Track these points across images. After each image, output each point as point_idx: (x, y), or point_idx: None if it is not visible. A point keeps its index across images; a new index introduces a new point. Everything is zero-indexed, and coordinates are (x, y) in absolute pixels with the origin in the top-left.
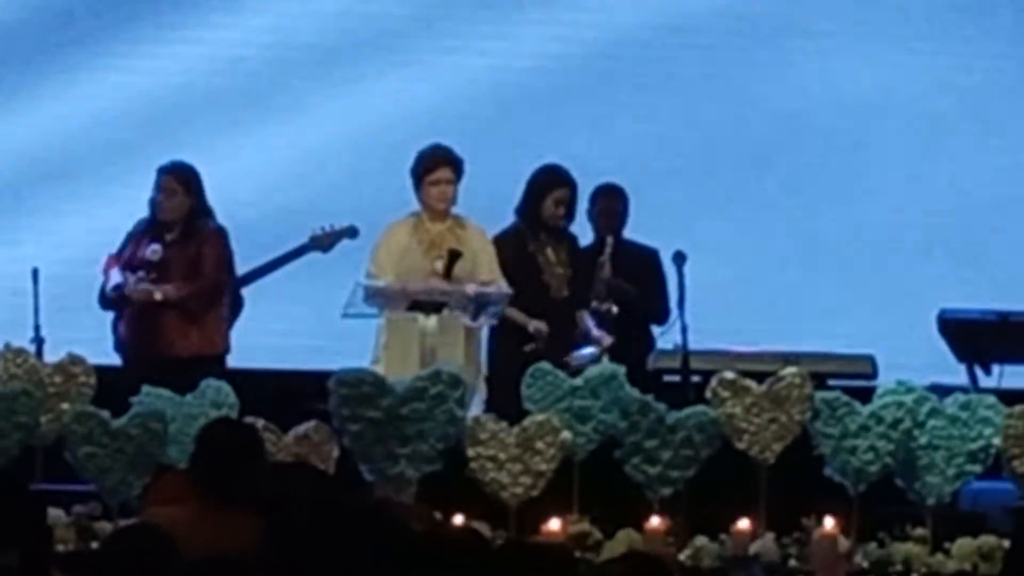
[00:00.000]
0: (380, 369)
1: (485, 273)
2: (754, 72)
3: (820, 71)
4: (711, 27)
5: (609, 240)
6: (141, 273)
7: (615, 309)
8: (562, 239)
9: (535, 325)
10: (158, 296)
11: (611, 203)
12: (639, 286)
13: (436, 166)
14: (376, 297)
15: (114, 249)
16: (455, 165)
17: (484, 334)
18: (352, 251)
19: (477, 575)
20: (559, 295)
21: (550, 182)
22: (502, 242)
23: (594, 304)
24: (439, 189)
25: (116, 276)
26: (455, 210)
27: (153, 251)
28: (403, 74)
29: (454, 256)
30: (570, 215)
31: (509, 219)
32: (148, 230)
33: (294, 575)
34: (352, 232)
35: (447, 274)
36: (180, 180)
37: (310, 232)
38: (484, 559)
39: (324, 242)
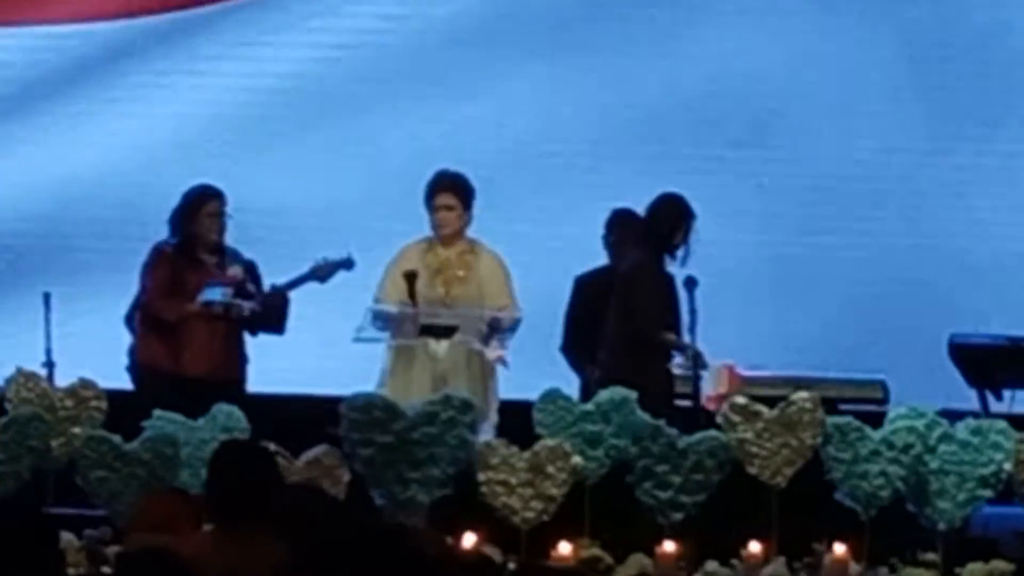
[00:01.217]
0: (384, 394)
1: (495, 299)
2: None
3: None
4: None
5: None
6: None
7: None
8: None
9: (693, 349)
10: (246, 313)
11: (626, 234)
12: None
13: (437, 192)
14: (380, 320)
15: None
16: (457, 191)
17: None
18: (362, 275)
19: None
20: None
21: (687, 212)
22: (646, 270)
23: (603, 355)
24: (440, 215)
25: (214, 292)
26: (472, 235)
27: (235, 271)
28: None
29: (410, 277)
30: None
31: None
32: (184, 253)
33: None
34: (348, 264)
35: (411, 295)
36: (224, 203)
37: (311, 263)
38: None
39: (322, 272)
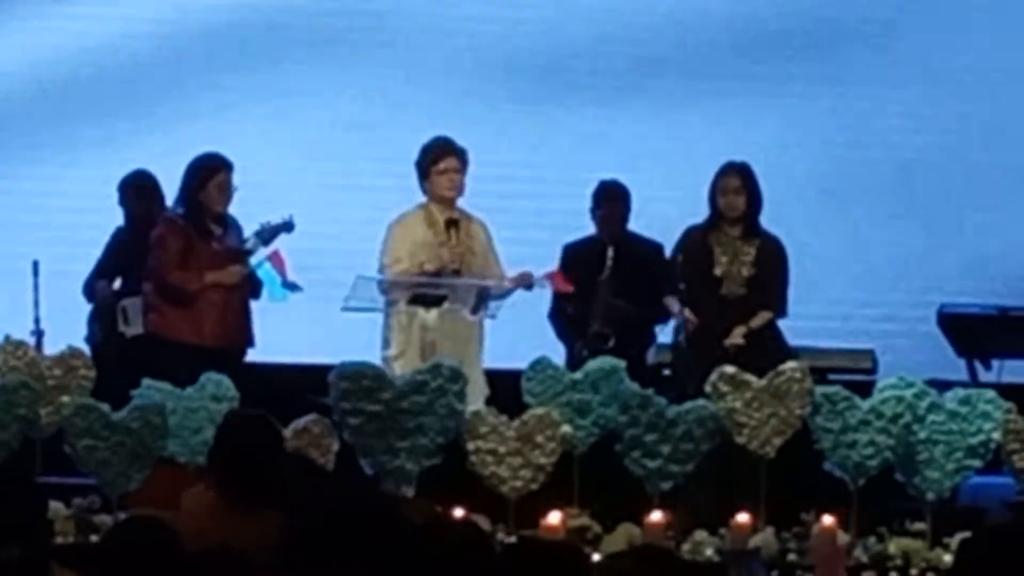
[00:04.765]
0: (401, 363)
1: (493, 268)
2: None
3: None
4: None
5: (610, 252)
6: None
7: (612, 341)
8: (752, 237)
9: (686, 314)
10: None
11: (614, 207)
12: (642, 282)
13: (443, 155)
14: (396, 288)
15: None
16: (461, 155)
17: (488, 328)
18: (352, 244)
19: (477, 568)
20: (731, 292)
21: (718, 174)
22: (688, 234)
23: (594, 327)
24: (448, 177)
25: (267, 274)
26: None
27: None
28: None
29: (452, 224)
30: (750, 204)
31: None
32: (194, 224)
33: (301, 569)
34: (289, 226)
35: (448, 235)
36: (232, 174)
37: (254, 228)
38: (483, 552)
39: (264, 236)
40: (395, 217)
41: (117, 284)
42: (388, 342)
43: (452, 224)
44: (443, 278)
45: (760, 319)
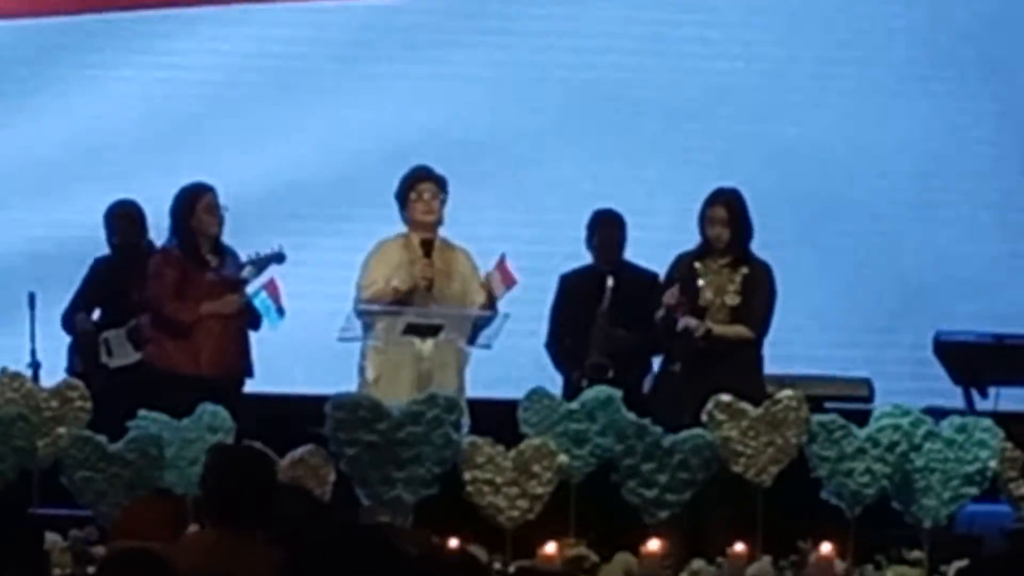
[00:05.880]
0: (376, 389)
1: (476, 296)
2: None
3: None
4: None
5: (609, 282)
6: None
7: (611, 372)
8: (740, 265)
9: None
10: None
11: (611, 233)
12: (640, 311)
13: (419, 181)
14: (364, 319)
15: None
16: (438, 181)
17: (475, 357)
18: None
19: None
20: (716, 323)
21: (705, 203)
22: (677, 263)
23: (592, 358)
24: (424, 203)
25: (261, 300)
26: (442, 233)
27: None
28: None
29: (427, 244)
30: (737, 234)
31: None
32: (190, 254)
33: None
34: (280, 257)
35: (427, 254)
36: (217, 197)
37: (245, 257)
38: None
39: (257, 265)
40: (374, 245)
41: (96, 315)
42: (363, 369)
43: (427, 245)
44: (416, 300)
45: (731, 329)
